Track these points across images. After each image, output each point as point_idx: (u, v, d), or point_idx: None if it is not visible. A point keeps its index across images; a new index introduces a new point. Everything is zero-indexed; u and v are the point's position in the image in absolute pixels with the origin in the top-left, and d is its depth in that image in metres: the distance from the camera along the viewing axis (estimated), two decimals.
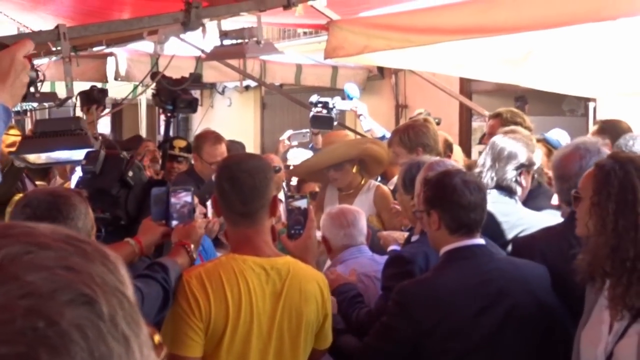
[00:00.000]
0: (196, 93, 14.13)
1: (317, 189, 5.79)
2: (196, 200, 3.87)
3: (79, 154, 3.64)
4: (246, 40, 4.49)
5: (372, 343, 3.36)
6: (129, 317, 0.80)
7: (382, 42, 5.41)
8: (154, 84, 4.57)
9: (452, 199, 3.26)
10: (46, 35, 3.92)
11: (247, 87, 12.75)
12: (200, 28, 4.53)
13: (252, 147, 12.03)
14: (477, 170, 4.23)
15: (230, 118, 13.75)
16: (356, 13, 5.99)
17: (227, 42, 4.63)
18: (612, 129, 5.10)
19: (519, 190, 4.09)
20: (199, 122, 13.21)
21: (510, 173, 4.07)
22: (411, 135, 4.99)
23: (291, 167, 6.76)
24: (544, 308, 3.26)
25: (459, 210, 3.26)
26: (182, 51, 6.12)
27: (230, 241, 3.22)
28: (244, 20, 5.01)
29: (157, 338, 0.93)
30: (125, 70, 8.34)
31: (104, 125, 16.22)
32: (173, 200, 3.32)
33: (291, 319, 3.05)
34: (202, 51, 5.17)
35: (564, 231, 3.47)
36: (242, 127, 13.26)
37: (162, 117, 6.09)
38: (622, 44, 6.05)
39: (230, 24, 5.01)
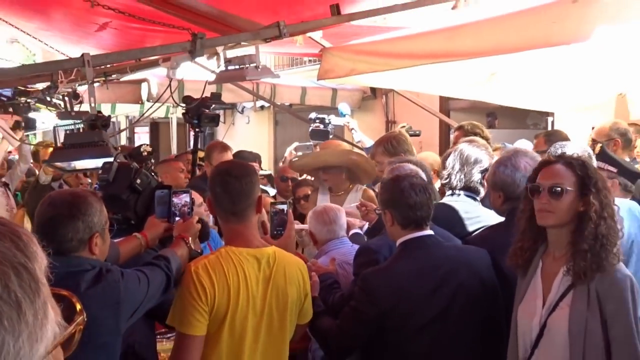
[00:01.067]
0: (222, 113, 14.22)
1: (309, 192, 5.77)
2: (200, 199, 3.88)
3: (101, 162, 3.69)
4: (247, 66, 4.50)
5: (342, 325, 3.37)
6: (25, 286, 0.82)
7: (366, 65, 5.40)
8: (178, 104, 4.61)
9: (401, 200, 3.32)
10: (74, 62, 3.94)
11: (262, 107, 12.84)
12: (207, 55, 4.59)
13: (266, 157, 12.11)
14: (445, 172, 4.23)
15: (249, 133, 13.79)
16: (345, 42, 5.99)
17: (231, 67, 4.64)
18: (554, 138, 5.09)
19: (482, 190, 4.10)
20: (223, 137, 13.23)
21: (476, 176, 4.11)
22: (394, 143, 5.08)
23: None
24: (486, 286, 3.30)
25: (407, 209, 3.32)
26: (195, 76, 6.15)
27: (224, 235, 3.26)
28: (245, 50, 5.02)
29: (78, 306, 1.00)
30: (157, 93, 8.38)
31: (144, 139, 16.36)
32: (175, 200, 3.37)
33: (278, 299, 3.08)
34: (216, 74, 5.15)
35: (507, 226, 3.47)
36: (258, 140, 13.32)
37: (192, 133, 6.14)
38: (575, 65, 6.01)
39: (235, 52, 5.01)
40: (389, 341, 3.29)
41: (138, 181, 3.40)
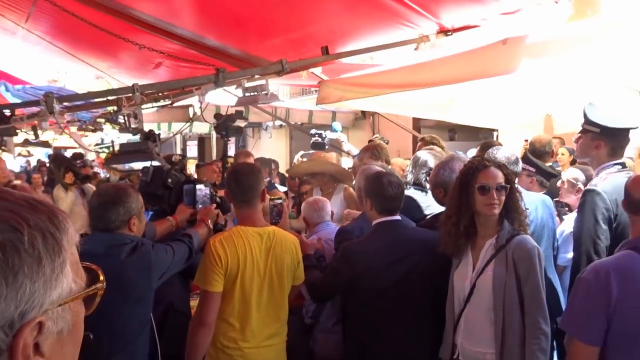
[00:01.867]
0: (250, 130, 14.24)
1: (309, 189, 5.83)
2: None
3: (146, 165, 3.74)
4: (259, 93, 4.54)
5: (325, 278, 3.42)
6: (49, 247, 0.83)
7: (352, 93, 5.45)
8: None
9: (380, 192, 3.33)
10: (127, 89, 3.99)
11: (280, 125, 12.85)
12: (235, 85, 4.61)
13: (283, 163, 12.12)
14: (406, 171, 4.28)
15: (271, 145, 13.82)
16: (339, 76, 6.03)
17: (247, 94, 4.68)
18: (489, 146, 5.11)
19: (427, 185, 4.07)
20: (252, 147, 13.31)
21: (422, 175, 4.09)
22: (378, 150, 5.07)
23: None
24: (436, 260, 3.25)
25: (384, 200, 3.33)
26: (226, 101, 6.22)
27: (237, 218, 3.28)
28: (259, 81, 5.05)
29: (101, 276, 0.97)
30: (201, 115, 8.41)
31: (193, 150, 16.39)
32: (198, 192, 3.39)
33: (277, 264, 3.12)
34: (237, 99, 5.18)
35: None
36: (278, 150, 13.36)
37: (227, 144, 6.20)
38: (513, 92, 6.04)
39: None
40: (361, 299, 3.30)
41: (169, 180, 3.44)
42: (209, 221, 3.36)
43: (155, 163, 3.61)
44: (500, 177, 2.99)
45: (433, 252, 3.23)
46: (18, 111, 4.59)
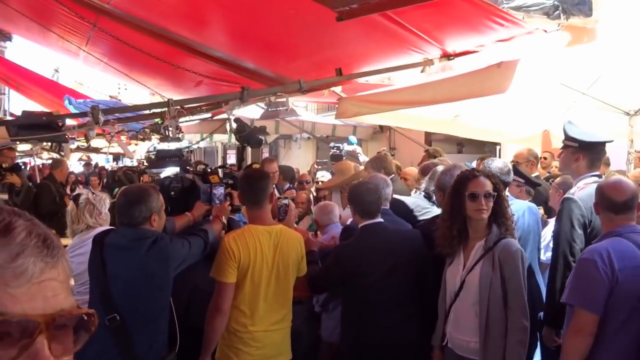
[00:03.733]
0: (282, 141, 14.30)
1: (326, 193, 5.81)
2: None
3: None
4: (280, 108, 4.57)
5: (321, 273, 3.45)
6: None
7: (366, 109, 5.44)
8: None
9: (360, 199, 3.36)
10: (162, 104, 4.06)
11: (308, 137, 12.89)
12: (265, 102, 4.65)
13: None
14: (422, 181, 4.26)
15: (300, 154, 13.93)
16: (355, 94, 6.04)
17: (271, 109, 4.71)
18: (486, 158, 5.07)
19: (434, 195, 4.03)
20: (283, 157, 13.36)
21: (432, 186, 4.07)
22: (377, 162, 4.99)
23: (319, 183, 6.73)
24: (418, 257, 3.28)
25: (363, 205, 3.35)
26: (250, 114, 6.26)
27: (248, 217, 3.31)
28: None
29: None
30: (230, 127, 8.47)
31: (232, 158, 16.54)
32: (214, 191, 3.40)
33: (283, 259, 3.13)
34: (262, 113, 5.20)
35: None
36: (306, 159, 13.39)
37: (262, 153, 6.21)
38: (514, 109, 5.98)
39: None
40: (352, 292, 3.33)
41: (172, 192, 3.42)
42: (223, 218, 3.39)
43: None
44: (488, 186, 2.97)
45: (412, 248, 3.27)
46: (72, 122, 4.70)
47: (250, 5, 4.41)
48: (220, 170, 3.56)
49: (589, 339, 2.60)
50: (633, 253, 2.63)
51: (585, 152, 3.38)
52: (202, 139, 7.66)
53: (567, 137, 3.46)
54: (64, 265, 0.79)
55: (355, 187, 3.44)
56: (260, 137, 4.62)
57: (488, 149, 8.89)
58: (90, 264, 2.79)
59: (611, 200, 2.76)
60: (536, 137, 6.91)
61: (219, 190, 3.40)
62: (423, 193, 4.11)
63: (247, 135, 4.42)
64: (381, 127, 10.69)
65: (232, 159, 16.51)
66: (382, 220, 3.36)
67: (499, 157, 7.95)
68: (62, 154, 5.21)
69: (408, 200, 4.01)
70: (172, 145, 4.16)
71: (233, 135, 9.16)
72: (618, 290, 2.56)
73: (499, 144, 8.40)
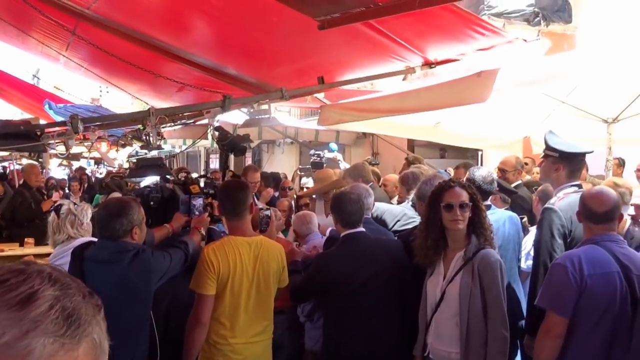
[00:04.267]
0: (265, 145, 14.23)
1: (308, 202, 5.79)
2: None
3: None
4: (262, 116, 4.55)
5: (302, 282, 3.45)
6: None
7: (348, 117, 5.41)
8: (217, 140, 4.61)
9: (342, 209, 3.35)
10: (143, 112, 4.02)
11: (292, 142, 12.84)
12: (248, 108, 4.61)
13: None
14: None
15: (283, 160, 13.86)
16: (338, 101, 6.04)
17: (253, 116, 4.69)
18: (467, 166, 5.10)
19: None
20: (266, 162, 13.31)
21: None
22: (355, 171, 4.97)
23: (305, 189, 6.72)
24: (398, 266, 3.28)
25: (345, 215, 3.35)
26: (233, 119, 6.19)
27: (228, 228, 3.28)
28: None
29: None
30: (212, 135, 8.40)
31: (216, 163, 16.44)
32: (193, 202, 3.37)
33: (264, 269, 3.11)
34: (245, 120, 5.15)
35: None
36: (289, 164, 13.27)
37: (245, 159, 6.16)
38: (495, 117, 6.01)
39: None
40: (333, 301, 3.33)
41: (152, 202, 3.39)
42: (202, 229, 3.35)
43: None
44: (464, 196, 2.99)
45: (393, 257, 3.28)
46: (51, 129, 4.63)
47: (232, 12, 4.39)
48: (202, 180, 3.53)
49: (557, 340, 2.70)
50: (605, 260, 2.71)
51: (566, 163, 3.42)
52: (187, 148, 7.58)
53: (548, 147, 3.49)
54: (91, 345, 0.70)
55: (338, 196, 3.44)
56: (243, 145, 4.59)
57: (471, 154, 8.94)
58: None
59: (592, 211, 2.82)
60: (517, 143, 6.96)
61: (198, 202, 3.37)
62: (411, 202, 4.12)
63: (230, 143, 4.39)
64: (364, 133, 10.69)
65: (215, 164, 16.42)
66: (363, 229, 3.35)
67: (481, 163, 8.02)
68: (41, 160, 5.13)
69: (395, 208, 4.01)
70: (153, 154, 4.12)
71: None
72: (587, 294, 2.65)
73: (481, 149, 8.45)
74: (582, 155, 3.50)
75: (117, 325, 2.56)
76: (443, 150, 9.93)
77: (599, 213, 2.80)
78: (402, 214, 4.01)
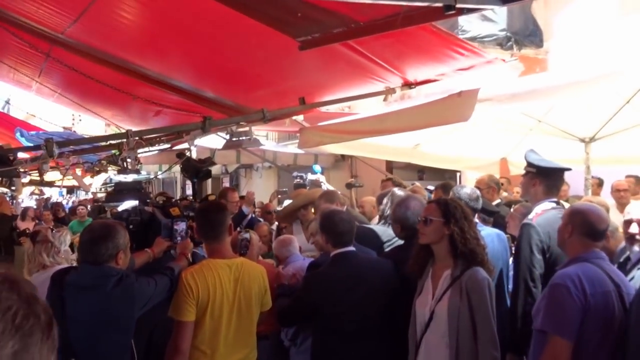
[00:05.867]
0: (243, 170, 14.13)
1: (286, 225, 5.73)
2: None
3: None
4: (243, 138, 4.49)
5: (290, 305, 3.38)
6: None
7: (328, 139, 5.36)
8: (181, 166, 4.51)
9: (332, 229, 3.31)
10: (121, 135, 3.94)
11: (270, 166, 12.81)
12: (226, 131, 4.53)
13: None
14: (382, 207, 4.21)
15: (261, 184, 13.78)
16: (318, 123, 6.02)
17: (234, 139, 4.62)
18: (446, 187, 5.11)
19: None
20: (245, 185, 13.20)
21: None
22: (329, 196, 4.81)
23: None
24: (388, 285, 3.24)
25: (335, 234, 3.31)
26: (212, 144, 6.10)
27: (207, 251, 3.18)
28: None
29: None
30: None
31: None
32: (175, 227, 3.28)
33: (245, 293, 3.02)
34: (224, 143, 5.07)
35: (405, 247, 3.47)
36: (268, 188, 13.13)
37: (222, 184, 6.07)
38: (472, 138, 6.07)
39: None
40: (323, 323, 3.25)
41: (131, 226, 3.30)
42: (189, 254, 3.25)
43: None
44: (428, 212, 3.02)
45: (384, 276, 3.24)
46: (24, 155, 4.51)
47: (210, 35, 4.36)
48: (180, 202, 3.45)
49: None
50: (601, 278, 2.65)
51: (542, 178, 3.48)
52: (163, 172, 7.46)
53: (528, 164, 3.56)
54: None
55: (328, 216, 3.38)
56: (207, 168, 4.49)
57: (449, 175, 9.00)
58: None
59: (593, 227, 2.77)
60: (494, 164, 7.04)
61: (181, 226, 3.29)
62: (388, 223, 4.07)
63: (191, 169, 4.29)
64: (343, 155, 10.72)
65: (191, 190, 16.22)
66: (354, 249, 3.31)
67: (460, 184, 8.04)
68: (14, 188, 4.99)
69: (378, 229, 3.97)
70: (130, 178, 4.02)
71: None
72: (591, 315, 2.55)
73: (459, 171, 8.52)
74: (559, 172, 3.55)
75: (96, 353, 2.48)
76: (421, 172, 9.98)
77: (600, 230, 2.77)
78: (387, 235, 3.95)
